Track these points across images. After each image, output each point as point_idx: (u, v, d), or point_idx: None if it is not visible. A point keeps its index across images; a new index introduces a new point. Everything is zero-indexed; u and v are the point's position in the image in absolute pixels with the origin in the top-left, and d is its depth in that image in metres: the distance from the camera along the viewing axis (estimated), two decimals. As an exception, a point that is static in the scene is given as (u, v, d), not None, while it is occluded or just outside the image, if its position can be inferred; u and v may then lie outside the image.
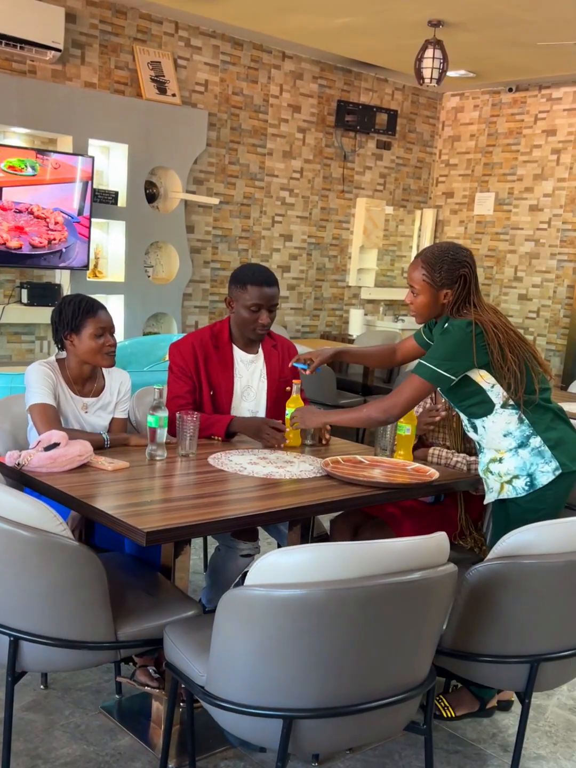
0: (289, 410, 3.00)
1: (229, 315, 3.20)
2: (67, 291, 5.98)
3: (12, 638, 2.13)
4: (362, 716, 1.94)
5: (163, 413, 2.71)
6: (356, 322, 7.59)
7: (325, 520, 3.25)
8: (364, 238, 7.72)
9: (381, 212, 7.82)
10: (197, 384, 3.11)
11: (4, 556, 2.09)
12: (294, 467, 2.76)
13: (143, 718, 2.69)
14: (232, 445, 3.01)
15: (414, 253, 8.38)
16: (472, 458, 2.96)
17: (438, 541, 1.99)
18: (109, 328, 2.89)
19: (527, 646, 2.26)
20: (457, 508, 3.06)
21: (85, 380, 2.95)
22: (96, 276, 6.21)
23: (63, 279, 6.00)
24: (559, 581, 2.22)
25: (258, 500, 2.40)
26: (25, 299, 5.83)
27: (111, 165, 6.26)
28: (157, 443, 2.72)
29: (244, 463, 2.77)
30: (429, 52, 5.61)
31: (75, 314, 2.84)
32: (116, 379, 3.04)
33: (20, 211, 5.44)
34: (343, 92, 7.51)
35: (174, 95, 6.39)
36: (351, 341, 7.27)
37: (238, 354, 3.20)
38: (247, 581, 1.87)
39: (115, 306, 6.26)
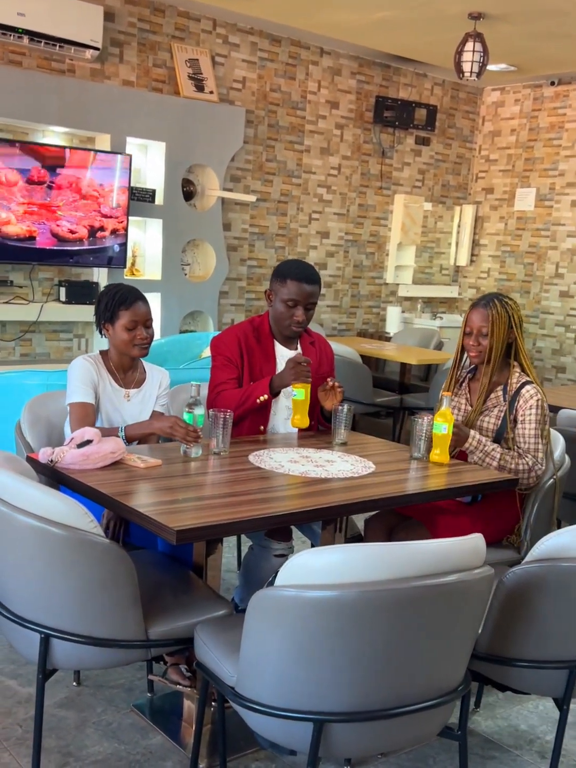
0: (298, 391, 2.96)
1: (268, 308, 3.19)
2: (104, 289, 6.00)
3: (43, 635, 2.12)
4: (395, 721, 1.90)
5: (200, 410, 2.69)
6: (393, 320, 7.53)
7: (359, 521, 3.21)
8: (402, 235, 7.65)
9: (419, 208, 7.74)
10: (240, 375, 3.10)
11: (35, 554, 2.08)
12: (333, 467, 2.72)
13: (175, 717, 2.68)
14: (276, 444, 2.98)
15: (453, 250, 8.29)
16: (511, 452, 2.92)
17: (474, 542, 1.94)
18: (144, 321, 2.90)
19: (566, 651, 2.20)
20: (495, 508, 3.00)
21: (127, 370, 2.99)
22: (133, 274, 6.23)
23: (100, 277, 6.02)
24: (599, 585, 2.15)
25: (290, 499, 2.38)
26: (63, 297, 5.87)
27: (148, 163, 6.27)
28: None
29: (284, 461, 2.75)
30: (469, 46, 5.53)
31: (108, 305, 2.87)
32: (157, 375, 3.08)
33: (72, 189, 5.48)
34: (382, 88, 7.44)
35: (211, 92, 6.38)
36: (388, 339, 7.21)
37: (279, 349, 3.19)
38: (278, 581, 1.84)
39: (151, 304, 6.25)
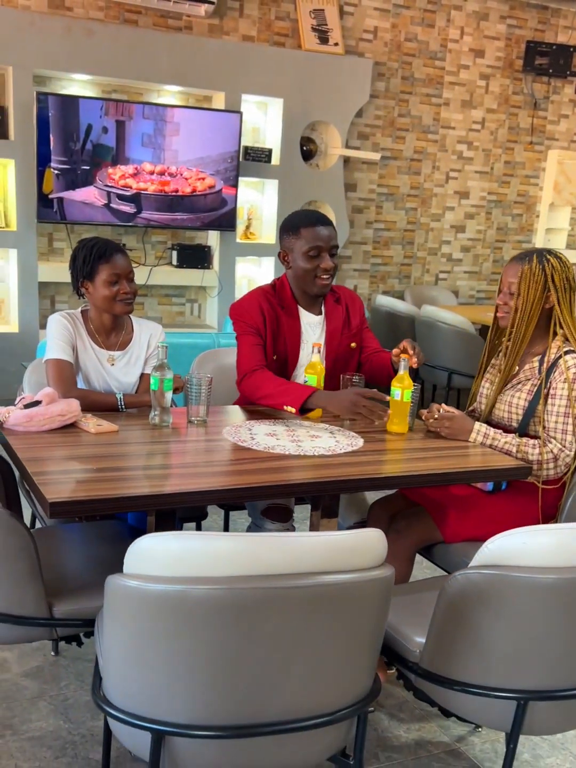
0: (309, 377, 2.65)
1: (286, 272, 2.90)
2: (217, 253, 5.90)
3: None
4: (256, 741, 1.62)
5: (169, 374, 2.48)
6: (540, 288, 6.88)
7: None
8: (555, 195, 6.97)
9: (577, 165, 7.01)
10: (265, 345, 2.83)
11: None
12: (311, 443, 2.40)
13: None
14: (277, 414, 2.70)
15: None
16: (531, 441, 2.48)
17: (367, 538, 1.61)
18: (125, 274, 2.69)
19: (513, 679, 1.81)
20: (524, 499, 2.57)
21: (109, 331, 2.77)
22: (247, 237, 6.07)
23: (213, 240, 5.92)
24: (554, 603, 1.74)
25: (215, 476, 2.11)
26: (175, 261, 5.82)
27: (268, 121, 6.06)
28: (162, 408, 2.49)
29: (261, 434, 2.47)
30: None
31: (87, 260, 2.66)
32: (146, 331, 2.83)
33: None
34: (537, 32, 6.77)
35: (336, 44, 6.06)
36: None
37: (305, 316, 2.88)
38: (125, 567, 1.61)
39: (266, 269, 6.10)
